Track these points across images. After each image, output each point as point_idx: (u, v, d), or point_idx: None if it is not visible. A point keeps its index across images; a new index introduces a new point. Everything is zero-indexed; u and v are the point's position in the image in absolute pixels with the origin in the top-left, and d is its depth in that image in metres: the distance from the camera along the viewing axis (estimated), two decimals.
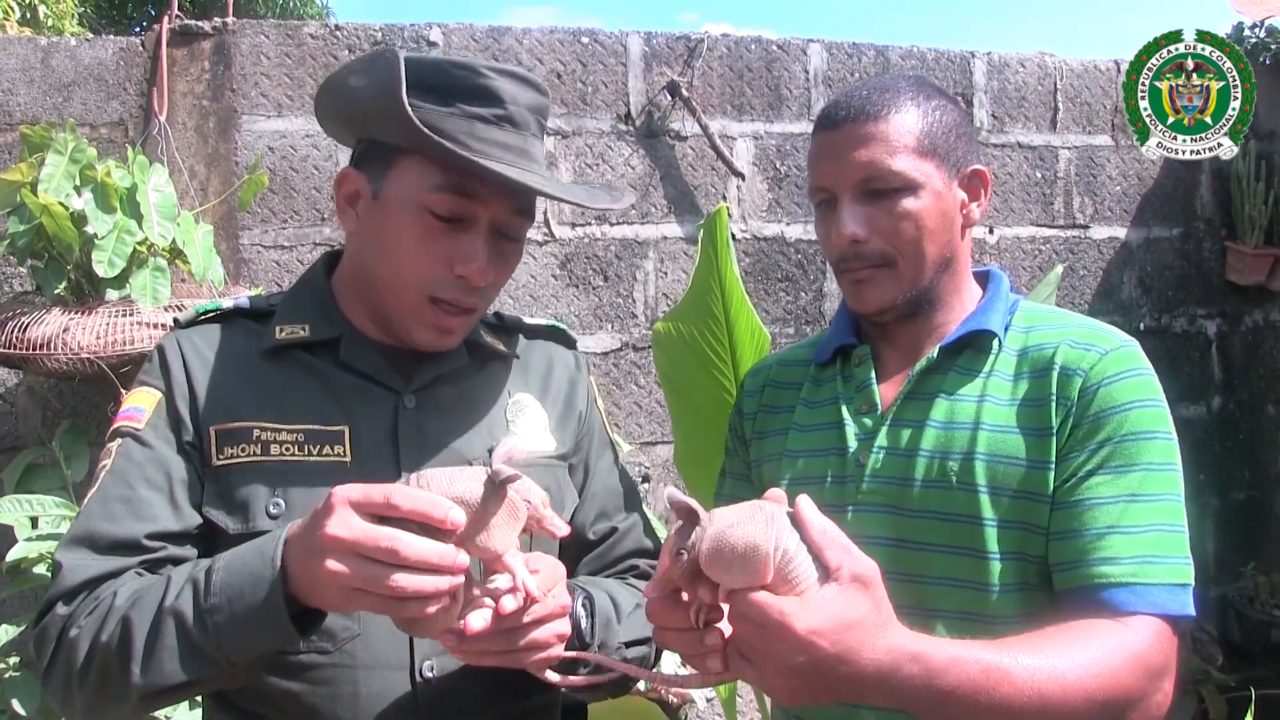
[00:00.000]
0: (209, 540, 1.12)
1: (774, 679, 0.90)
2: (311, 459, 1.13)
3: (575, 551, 1.30)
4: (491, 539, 0.92)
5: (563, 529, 0.98)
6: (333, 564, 0.88)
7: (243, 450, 1.13)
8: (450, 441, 1.20)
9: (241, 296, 1.26)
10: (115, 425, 1.17)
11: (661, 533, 1.35)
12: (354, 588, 0.89)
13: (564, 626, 1.05)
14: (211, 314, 1.24)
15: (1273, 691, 3.11)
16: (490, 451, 1.06)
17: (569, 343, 1.40)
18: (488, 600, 0.96)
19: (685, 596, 0.95)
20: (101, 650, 1.00)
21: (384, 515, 0.89)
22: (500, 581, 0.97)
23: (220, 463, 1.13)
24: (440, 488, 0.91)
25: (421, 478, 0.93)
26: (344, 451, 1.14)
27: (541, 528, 0.97)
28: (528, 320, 1.38)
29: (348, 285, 1.24)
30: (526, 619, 0.99)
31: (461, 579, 0.91)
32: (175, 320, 1.24)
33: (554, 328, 1.40)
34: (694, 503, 0.90)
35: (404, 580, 0.87)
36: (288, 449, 1.13)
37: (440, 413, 1.21)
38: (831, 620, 0.87)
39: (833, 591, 0.88)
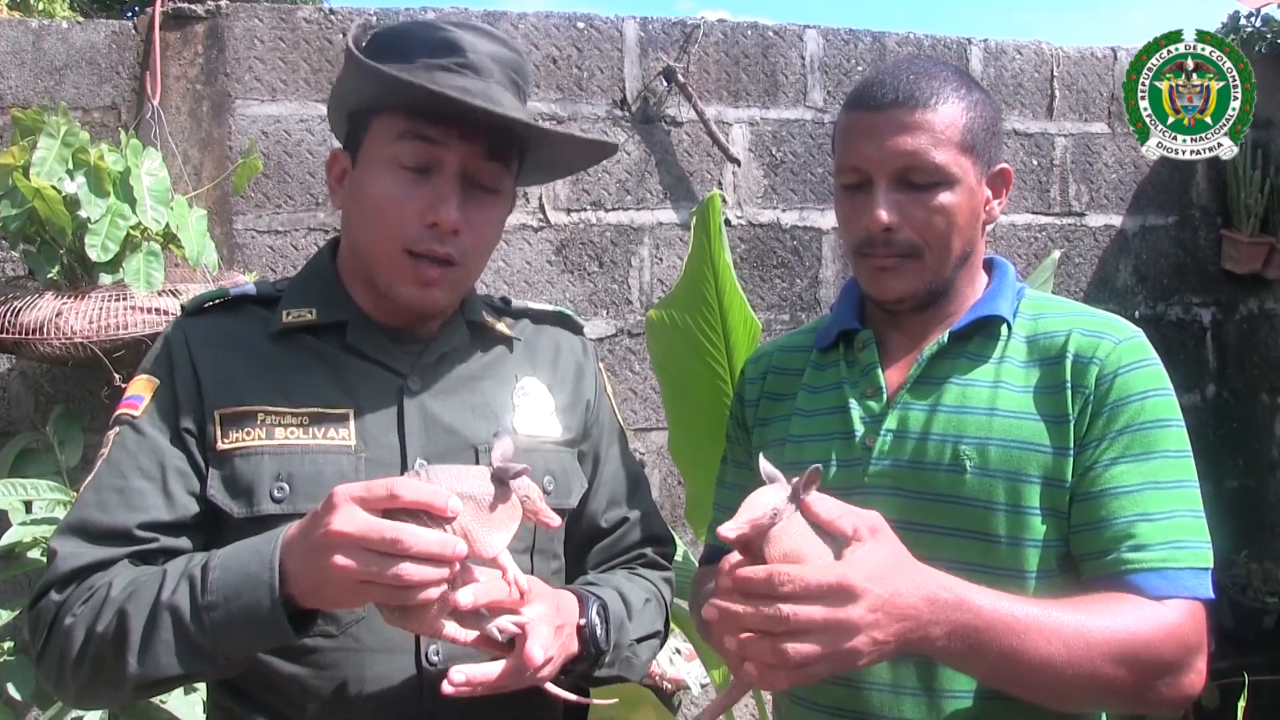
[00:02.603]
0: (213, 525, 1.12)
1: (847, 641, 0.92)
2: (316, 442, 1.14)
3: (586, 539, 1.32)
4: (490, 536, 0.96)
5: (555, 520, 1.02)
6: (340, 559, 0.91)
7: (248, 434, 1.13)
8: (455, 425, 1.20)
9: (247, 284, 1.26)
10: (116, 414, 1.17)
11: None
12: (360, 580, 0.91)
13: (571, 645, 1.11)
14: (218, 301, 1.23)
15: (1265, 678, 3.12)
16: (495, 435, 1.08)
17: (576, 329, 1.40)
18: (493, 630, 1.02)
19: (738, 556, 0.99)
20: (97, 641, 1.02)
21: (385, 509, 0.93)
22: (501, 620, 1.02)
23: (225, 447, 1.12)
24: (450, 484, 0.95)
25: (431, 472, 0.97)
26: (349, 435, 1.15)
27: (538, 520, 1.00)
28: (534, 305, 1.38)
29: (349, 266, 1.24)
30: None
31: (458, 566, 0.94)
32: (182, 308, 1.24)
33: (561, 313, 1.39)
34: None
35: (409, 569, 0.90)
36: (293, 432, 1.13)
37: (445, 397, 1.21)
38: (873, 566, 0.94)
39: (864, 548, 0.96)
